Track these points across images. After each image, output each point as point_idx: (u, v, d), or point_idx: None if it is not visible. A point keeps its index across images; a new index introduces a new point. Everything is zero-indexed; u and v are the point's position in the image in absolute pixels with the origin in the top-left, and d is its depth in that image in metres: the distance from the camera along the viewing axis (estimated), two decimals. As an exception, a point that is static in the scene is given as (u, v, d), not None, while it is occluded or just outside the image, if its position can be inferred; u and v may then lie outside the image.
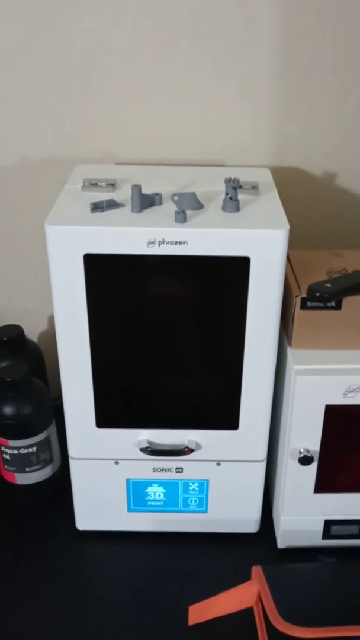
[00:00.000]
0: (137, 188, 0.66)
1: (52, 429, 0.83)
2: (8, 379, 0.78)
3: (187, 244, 0.64)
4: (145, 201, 0.67)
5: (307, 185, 0.89)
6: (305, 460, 0.72)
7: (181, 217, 0.64)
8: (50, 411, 0.82)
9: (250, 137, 0.86)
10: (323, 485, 0.75)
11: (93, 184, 0.72)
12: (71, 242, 0.64)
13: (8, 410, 0.79)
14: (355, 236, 0.93)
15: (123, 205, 0.67)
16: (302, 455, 0.72)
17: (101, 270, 0.66)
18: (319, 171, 0.88)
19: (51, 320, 1.00)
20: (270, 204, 0.70)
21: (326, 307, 0.70)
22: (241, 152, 0.86)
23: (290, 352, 0.72)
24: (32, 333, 1.01)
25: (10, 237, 0.94)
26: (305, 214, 0.90)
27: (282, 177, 0.85)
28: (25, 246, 0.94)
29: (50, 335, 0.99)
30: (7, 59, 0.82)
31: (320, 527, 0.78)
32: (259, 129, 0.85)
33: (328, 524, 0.78)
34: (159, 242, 0.64)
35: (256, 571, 0.69)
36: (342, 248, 0.91)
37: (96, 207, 0.66)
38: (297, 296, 0.70)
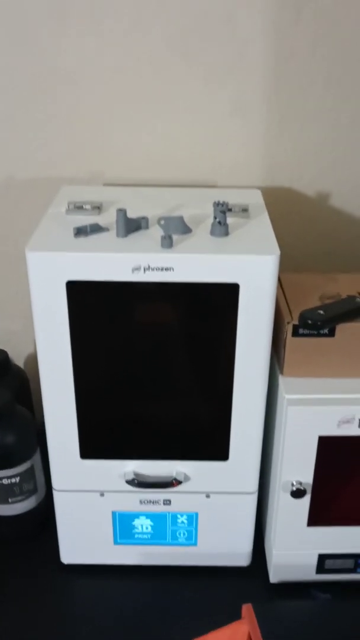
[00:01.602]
0: (122, 212, 0.63)
1: (37, 458, 0.80)
2: (-10, 407, 0.76)
3: (173, 270, 0.61)
4: (131, 225, 0.65)
5: (299, 205, 0.87)
6: (297, 493, 0.69)
7: (167, 243, 0.62)
8: (34, 440, 0.79)
9: (241, 157, 0.84)
10: (316, 518, 0.72)
11: (78, 207, 0.70)
12: (53, 269, 0.61)
13: (-10, 439, 0.76)
14: (347, 256, 0.91)
15: (108, 230, 0.65)
16: (294, 489, 0.69)
17: (84, 297, 0.63)
18: (311, 191, 0.86)
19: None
20: (261, 227, 0.68)
21: (319, 334, 0.67)
22: (232, 172, 0.84)
23: (282, 381, 0.69)
24: (18, 355, 0.98)
25: (-5, 258, 0.91)
26: (297, 233, 0.88)
27: (274, 197, 0.84)
28: (12, 267, 0.92)
29: (36, 359, 0.96)
30: (-8, 77, 0.80)
31: (313, 561, 0.75)
32: (251, 149, 0.83)
33: (322, 558, 0.75)
34: (144, 268, 0.61)
35: (247, 610, 0.65)
36: (335, 268, 0.89)
37: (80, 231, 0.64)
38: (288, 323, 0.67)
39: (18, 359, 0.98)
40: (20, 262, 0.89)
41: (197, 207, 0.71)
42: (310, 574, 0.76)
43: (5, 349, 0.92)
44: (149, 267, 0.61)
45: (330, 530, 0.74)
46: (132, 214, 0.66)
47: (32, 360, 0.98)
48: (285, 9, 0.76)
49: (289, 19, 0.76)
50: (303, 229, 0.88)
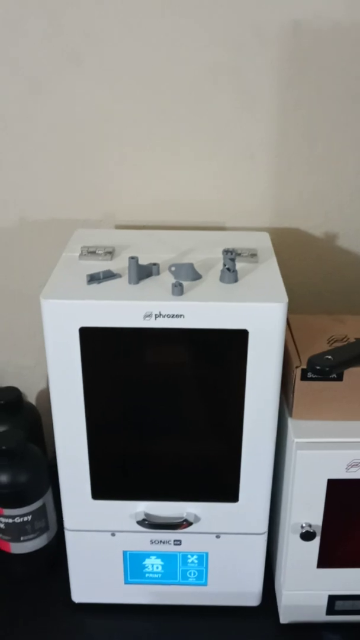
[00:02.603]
0: (134, 260, 0.65)
1: (48, 497, 0.81)
2: (4, 447, 0.77)
3: (184, 317, 0.63)
4: (143, 272, 0.66)
5: (307, 246, 0.89)
6: (307, 535, 0.70)
7: (178, 290, 0.63)
8: (46, 478, 0.80)
9: (249, 200, 0.86)
10: (326, 559, 0.73)
11: (91, 252, 0.72)
12: (66, 316, 0.63)
13: (3, 478, 0.77)
14: (354, 294, 0.92)
15: (120, 276, 0.67)
16: (304, 531, 0.70)
17: (97, 343, 0.65)
18: (318, 232, 0.88)
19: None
20: (269, 273, 0.69)
21: (327, 379, 0.68)
22: (241, 215, 0.86)
23: (291, 424, 0.70)
24: (30, 391, 1.00)
25: (9, 297, 0.93)
26: (306, 273, 0.90)
27: (282, 238, 0.85)
28: (25, 305, 0.93)
29: (47, 394, 0.97)
30: (9, 124, 0.82)
31: (324, 602, 0.76)
32: (259, 193, 0.85)
33: (332, 599, 0.75)
34: (155, 315, 0.63)
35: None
36: (342, 306, 0.91)
37: (93, 278, 0.65)
38: (297, 367, 0.68)
39: (30, 394, 1.00)
40: (32, 301, 0.91)
41: (206, 252, 0.72)
42: (320, 615, 0.76)
43: (17, 385, 0.93)
44: (160, 314, 0.62)
45: (340, 572, 0.74)
46: (143, 258, 0.67)
47: (44, 395, 1.00)
48: (290, 62, 0.78)
49: (294, 70, 0.78)
50: (310, 268, 0.89)
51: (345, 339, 0.72)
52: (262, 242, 0.77)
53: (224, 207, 0.86)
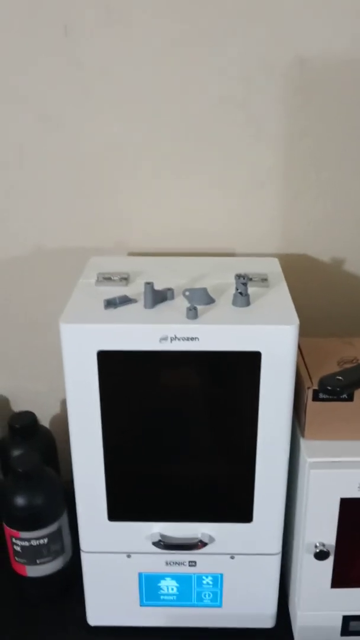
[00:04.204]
0: (149, 285, 0.67)
1: (64, 519, 0.82)
2: (20, 469, 0.78)
3: (198, 339, 0.65)
4: (158, 297, 0.68)
5: (315, 271, 0.91)
6: (321, 555, 0.71)
7: (193, 314, 0.65)
8: (62, 501, 0.81)
9: (259, 227, 0.88)
10: (340, 579, 0.73)
11: (107, 278, 0.74)
12: (85, 340, 0.65)
13: (20, 501, 0.78)
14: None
15: (136, 301, 0.69)
16: (317, 550, 0.71)
17: (114, 366, 0.66)
18: (326, 257, 0.90)
19: (63, 403, 1.00)
20: (280, 297, 0.71)
21: (338, 399, 0.70)
22: (250, 241, 0.89)
23: (304, 444, 0.72)
24: (44, 415, 1.01)
25: (24, 324, 0.95)
26: (315, 297, 0.92)
27: (291, 263, 0.87)
28: (40, 331, 0.95)
29: (61, 418, 1.00)
30: (25, 155, 0.85)
31: (338, 623, 0.76)
32: (267, 220, 0.88)
33: (346, 619, 0.76)
34: (171, 338, 0.65)
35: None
36: (350, 329, 0.92)
37: (109, 303, 0.68)
38: (308, 388, 0.70)
39: (44, 418, 1.01)
40: (46, 328, 0.94)
41: (218, 277, 0.74)
42: (335, 636, 0.77)
43: (31, 409, 0.95)
44: (175, 337, 0.64)
45: (355, 592, 0.74)
46: (157, 284, 0.69)
47: (58, 419, 1.01)
48: (296, 94, 0.81)
49: (300, 101, 0.82)
50: (319, 293, 0.91)
51: (354, 361, 0.74)
52: (272, 267, 0.79)
53: (234, 234, 0.88)
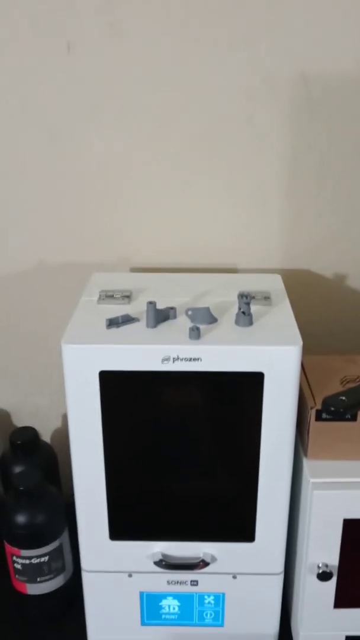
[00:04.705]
0: (152, 305, 0.67)
1: (65, 537, 0.81)
2: (21, 487, 0.78)
3: (201, 360, 0.64)
4: (160, 316, 0.68)
5: (317, 287, 0.91)
6: (324, 576, 0.70)
7: (195, 334, 0.65)
8: (63, 518, 0.81)
9: (261, 243, 0.88)
10: (343, 600, 0.73)
11: (109, 296, 0.74)
12: (87, 360, 0.65)
13: (21, 519, 0.78)
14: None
15: (138, 320, 0.68)
16: (320, 571, 0.70)
17: (116, 386, 0.66)
18: (329, 273, 0.90)
19: (64, 417, 0.99)
20: (283, 316, 0.71)
21: (342, 419, 0.69)
22: (253, 256, 0.88)
23: (307, 464, 0.71)
24: (46, 430, 1.01)
25: (26, 338, 0.95)
26: (317, 313, 0.91)
27: (293, 278, 0.87)
28: (42, 345, 0.95)
29: (63, 433, 0.99)
30: (28, 170, 0.85)
31: (341, 643, 0.76)
32: (270, 236, 0.87)
33: (349, 640, 0.75)
34: (173, 358, 0.64)
35: None
36: (353, 344, 0.92)
37: (112, 323, 0.67)
38: (312, 408, 0.70)
39: (45, 433, 1.01)
40: (48, 342, 0.94)
41: (221, 294, 0.74)
42: (337, 657, 0.76)
43: (33, 423, 0.95)
44: (177, 357, 0.64)
45: (357, 612, 0.74)
46: (159, 301, 0.69)
47: (60, 434, 1.01)
48: (300, 109, 0.81)
49: (304, 117, 0.81)
50: (321, 309, 0.91)
51: (358, 379, 0.74)
52: (275, 285, 0.79)
53: (237, 250, 0.88)
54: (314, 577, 0.71)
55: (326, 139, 0.83)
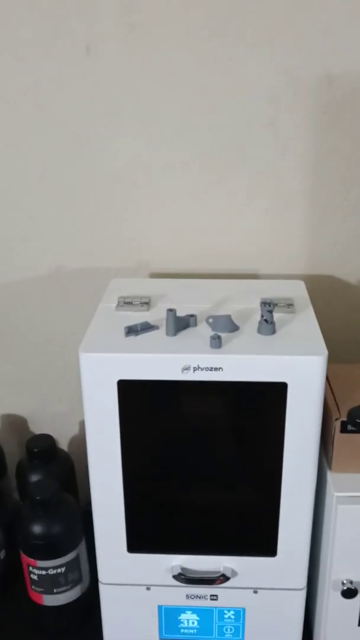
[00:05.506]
0: (172, 313, 0.65)
1: (82, 547, 0.80)
2: (38, 497, 0.76)
3: (222, 369, 0.62)
4: (180, 324, 0.66)
5: (341, 292, 0.88)
6: (348, 593, 0.68)
7: (216, 343, 0.63)
8: (80, 529, 0.79)
9: (284, 248, 0.86)
10: (368, 618, 0.71)
11: (128, 302, 0.72)
12: (105, 369, 0.63)
13: (37, 529, 0.76)
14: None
15: (157, 328, 0.67)
16: (345, 588, 0.68)
17: (135, 395, 0.64)
18: (353, 279, 0.88)
19: (82, 424, 0.99)
20: (307, 324, 0.69)
21: (367, 431, 0.67)
22: (275, 262, 0.86)
23: (331, 477, 0.69)
24: (63, 437, 0.99)
25: (44, 344, 0.94)
26: (341, 320, 0.89)
27: (316, 284, 0.85)
28: (60, 352, 0.94)
29: (80, 440, 0.97)
30: (48, 174, 0.84)
31: (365, 662, 0.73)
32: (293, 240, 0.85)
33: (374, 659, 0.73)
34: (193, 368, 0.62)
35: None
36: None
37: (130, 330, 0.66)
38: (336, 419, 0.67)
39: (62, 440, 0.99)
40: (66, 348, 0.93)
41: (242, 301, 0.72)
42: None
43: (50, 431, 0.93)
44: (198, 367, 0.62)
45: (382, 631, 0.72)
46: (179, 308, 0.67)
47: (77, 442, 0.99)
48: (325, 112, 0.79)
49: (329, 120, 0.79)
50: (346, 315, 0.89)
51: (384, 390, 0.71)
52: (298, 291, 0.77)
53: (259, 255, 0.86)
54: (338, 594, 0.69)
55: (350, 142, 0.81)
